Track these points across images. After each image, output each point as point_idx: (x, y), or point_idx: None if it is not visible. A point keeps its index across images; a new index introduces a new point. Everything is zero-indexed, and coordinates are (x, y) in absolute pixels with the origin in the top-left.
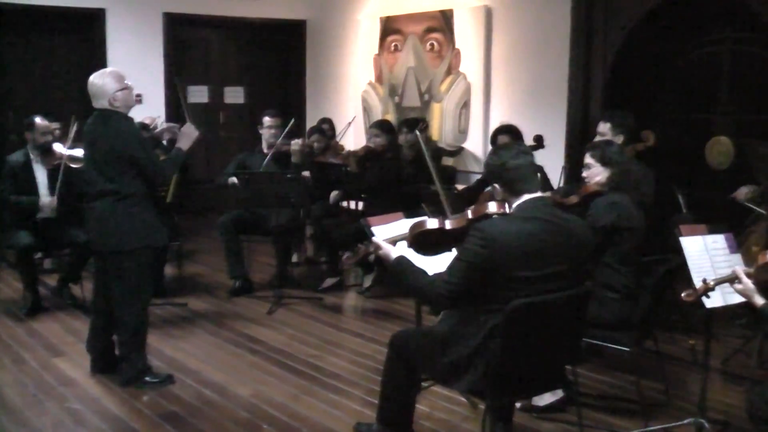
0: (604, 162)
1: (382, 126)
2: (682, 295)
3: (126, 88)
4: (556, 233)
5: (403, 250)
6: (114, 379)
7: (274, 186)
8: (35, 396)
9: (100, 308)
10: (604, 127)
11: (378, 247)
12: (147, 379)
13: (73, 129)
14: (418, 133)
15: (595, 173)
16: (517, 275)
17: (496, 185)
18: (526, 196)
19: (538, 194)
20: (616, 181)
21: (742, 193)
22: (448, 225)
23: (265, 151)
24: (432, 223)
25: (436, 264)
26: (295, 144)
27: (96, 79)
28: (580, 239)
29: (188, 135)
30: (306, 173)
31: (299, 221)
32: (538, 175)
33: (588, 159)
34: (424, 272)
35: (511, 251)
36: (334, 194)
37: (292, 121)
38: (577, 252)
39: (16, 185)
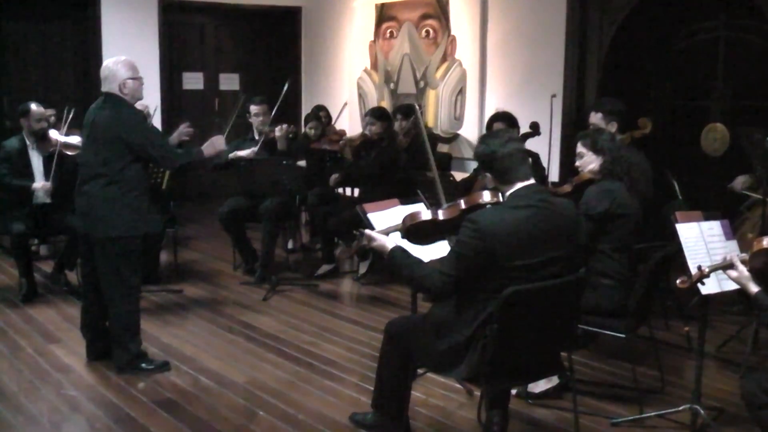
0: (595, 150)
1: (377, 113)
2: (677, 281)
3: (137, 78)
4: (549, 219)
5: (397, 239)
6: (110, 366)
7: (268, 173)
8: (31, 382)
9: (91, 293)
10: (595, 117)
11: (372, 239)
12: (143, 365)
13: (69, 116)
14: (418, 109)
15: (588, 161)
16: (513, 264)
17: (488, 174)
18: (519, 184)
19: (531, 181)
20: (609, 169)
21: (739, 182)
22: (441, 216)
23: (257, 138)
24: (426, 215)
25: (431, 252)
26: (279, 130)
27: (110, 63)
28: (571, 223)
29: (215, 145)
30: (302, 162)
31: (290, 207)
32: (530, 160)
33: (580, 148)
34: (420, 263)
35: (506, 240)
36: (333, 177)
37: (287, 84)
38: (571, 235)
39: (12, 170)
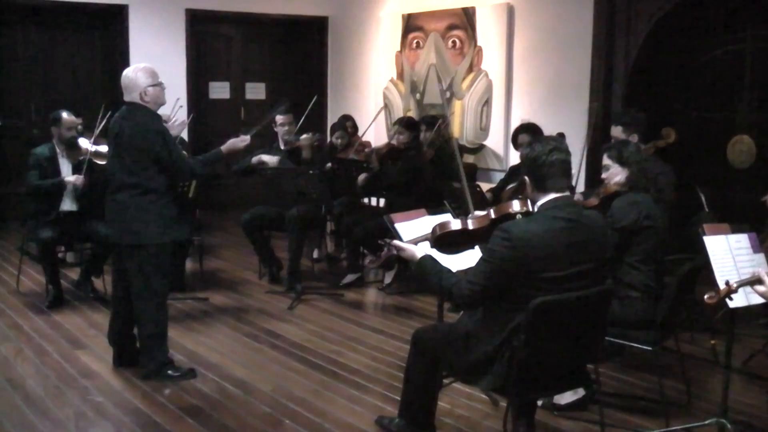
0: (621, 162)
1: (406, 123)
2: (705, 297)
3: (158, 84)
4: (580, 232)
5: (426, 249)
6: (136, 373)
7: (294, 182)
8: (57, 388)
9: (119, 301)
10: (616, 131)
11: (401, 249)
12: (169, 372)
13: (101, 125)
14: (448, 118)
15: (614, 174)
16: (542, 276)
17: (526, 178)
18: (553, 195)
19: (566, 194)
20: (635, 181)
21: None
22: (471, 225)
23: (282, 147)
24: (455, 224)
25: (459, 261)
26: (305, 139)
27: (129, 72)
28: (601, 237)
29: (236, 143)
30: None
31: (315, 216)
32: (572, 174)
33: (606, 160)
34: (449, 272)
35: (537, 252)
36: (362, 177)
37: (314, 99)
38: (599, 249)
39: (42, 177)
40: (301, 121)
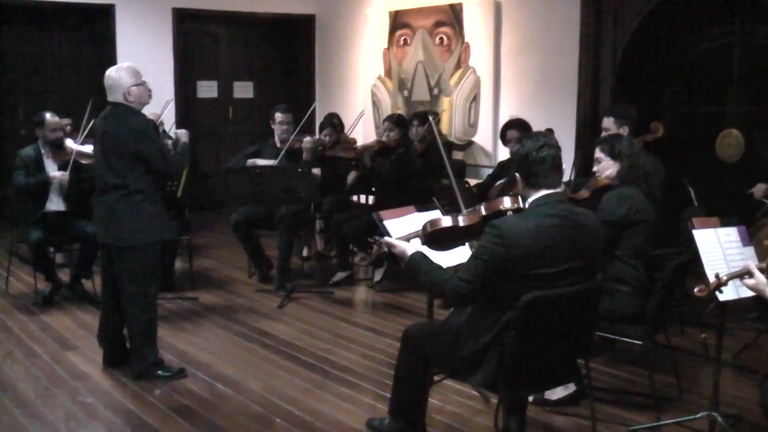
0: (613, 155)
1: (396, 120)
2: (695, 290)
3: (141, 84)
4: (571, 229)
5: (416, 245)
6: (126, 373)
7: (283, 180)
8: (48, 389)
9: (109, 301)
10: (608, 122)
11: (392, 245)
12: (159, 372)
13: (88, 125)
14: (431, 120)
15: (606, 167)
16: (533, 272)
17: (517, 174)
18: (544, 192)
19: (558, 190)
20: (627, 174)
21: (760, 190)
22: (462, 222)
23: (278, 145)
24: (446, 221)
25: (451, 257)
26: (308, 142)
27: (112, 72)
28: (592, 234)
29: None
30: (316, 170)
31: (306, 214)
32: (563, 169)
33: (598, 153)
34: (440, 268)
35: (528, 249)
36: (351, 175)
37: (314, 105)
38: (591, 247)
39: (27, 178)
40: (302, 123)
